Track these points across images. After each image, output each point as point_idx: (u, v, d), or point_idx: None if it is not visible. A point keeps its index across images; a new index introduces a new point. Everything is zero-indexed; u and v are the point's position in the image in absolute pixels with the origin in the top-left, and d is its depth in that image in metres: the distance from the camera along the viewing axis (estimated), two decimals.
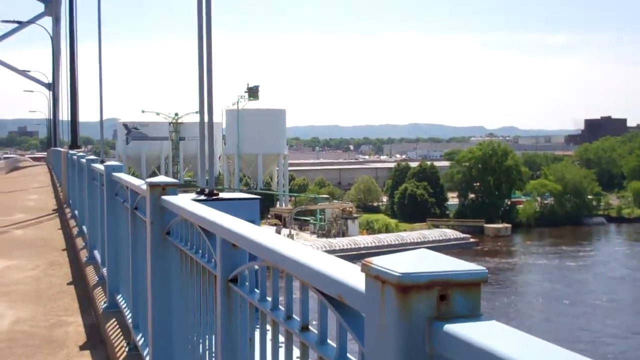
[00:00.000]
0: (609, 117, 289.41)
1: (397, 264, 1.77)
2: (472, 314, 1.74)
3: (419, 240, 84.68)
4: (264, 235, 3.17)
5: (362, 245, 78.44)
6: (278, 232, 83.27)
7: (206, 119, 8.83)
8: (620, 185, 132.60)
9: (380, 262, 1.81)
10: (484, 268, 1.78)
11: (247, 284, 3.43)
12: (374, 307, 1.84)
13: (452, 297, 1.74)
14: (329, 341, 2.45)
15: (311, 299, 2.45)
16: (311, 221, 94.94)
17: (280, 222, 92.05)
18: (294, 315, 2.80)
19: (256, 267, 3.34)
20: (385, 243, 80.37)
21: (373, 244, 79.60)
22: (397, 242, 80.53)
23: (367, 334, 1.93)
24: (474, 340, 1.56)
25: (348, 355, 2.33)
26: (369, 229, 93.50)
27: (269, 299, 3.07)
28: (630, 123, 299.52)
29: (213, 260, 3.91)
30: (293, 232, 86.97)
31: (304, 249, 2.69)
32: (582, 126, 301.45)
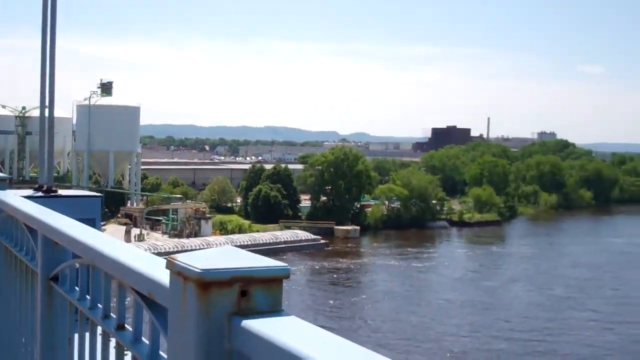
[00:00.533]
0: (454, 127, 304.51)
1: (198, 260, 1.76)
2: (273, 310, 1.74)
3: (271, 240, 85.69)
4: (83, 232, 3.17)
5: (214, 246, 77.92)
6: (128, 231, 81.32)
7: (47, 113, 8.67)
8: (462, 191, 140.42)
9: (183, 259, 1.80)
10: (286, 264, 1.78)
11: (67, 282, 3.36)
12: (176, 304, 1.83)
13: (252, 293, 1.73)
14: (144, 339, 2.45)
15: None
16: (163, 221, 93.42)
17: (131, 221, 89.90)
18: (111, 314, 2.80)
19: (77, 265, 3.24)
20: (238, 244, 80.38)
21: (225, 245, 79.44)
22: (249, 243, 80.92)
23: (170, 331, 1.93)
24: (268, 335, 1.58)
25: (160, 352, 2.28)
26: (223, 229, 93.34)
27: (88, 297, 3.04)
28: (474, 133, 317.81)
29: (36, 259, 3.82)
30: (144, 231, 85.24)
31: (123, 247, 2.72)
32: (429, 134, 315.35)
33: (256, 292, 1.75)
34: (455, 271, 76.86)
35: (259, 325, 1.64)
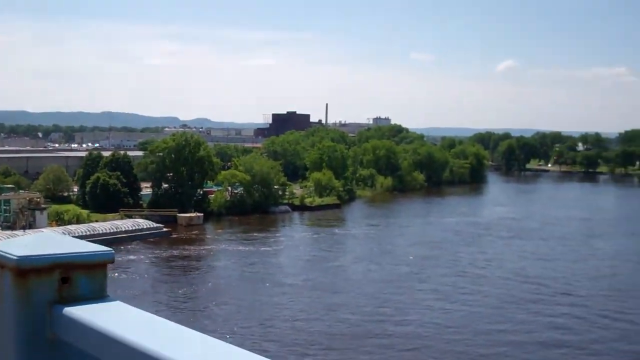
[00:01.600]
0: (294, 113, 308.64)
1: (16, 247, 1.73)
2: (97, 296, 1.73)
3: (112, 230, 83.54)
4: None
5: None
6: None
7: None
8: (304, 176, 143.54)
9: (1, 246, 1.77)
10: (111, 249, 1.79)
11: None
12: None
13: (75, 279, 1.71)
14: None
15: None
16: None
17: None
18: None
19: None
20: (76, 234, 77.88)
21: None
22: (88, 233, 78.32)
23: None
24: (89, 320, 1.56)
25: None
26: (59, 220, 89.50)
27: None
28: (313, 118, 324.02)
29: None
30: None
31: None
32: (270, 120, 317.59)
33: (78, 279, 1.70)
34: (303, 253, 78.58)
35: (80, 312, 1.59)
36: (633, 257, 77.93)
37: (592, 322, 50.03)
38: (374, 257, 75.53)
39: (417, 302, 55.76)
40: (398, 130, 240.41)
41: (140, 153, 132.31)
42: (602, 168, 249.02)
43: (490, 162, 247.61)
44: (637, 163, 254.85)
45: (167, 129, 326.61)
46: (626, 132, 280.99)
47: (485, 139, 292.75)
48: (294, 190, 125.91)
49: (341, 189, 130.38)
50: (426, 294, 58.47)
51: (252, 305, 53.97)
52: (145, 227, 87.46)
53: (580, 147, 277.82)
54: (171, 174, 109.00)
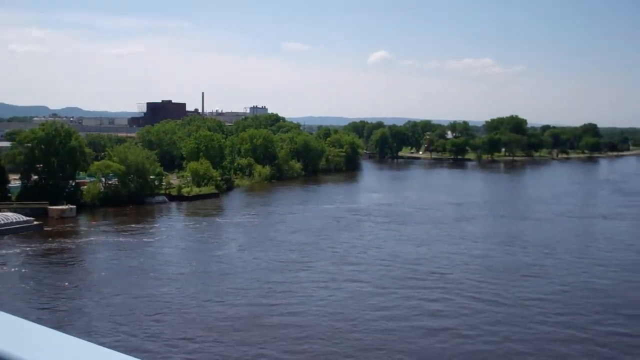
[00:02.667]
0: (170, 101, 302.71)
1: None
2: None
3: None
4: None
5: None
6: None
7: None
8: (180, 166, 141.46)
9: None
10: None
11: None
12: None
13: None
14: None
15: None
16: None
17: None
18: None
19: None
20: None
21: None
22: None
23: None
24: None
25: None
26: None
27: None
28: (189, 107, 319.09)
29: None
30: None
31: None
32: (144, 109, 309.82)
33: None
34: (185, 243, 77.36)
35: None
36: (502, 238, 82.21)
37: (466, 304, 52.42)
38: (258, 245, 75.59)
39: (303, 287, 56.34)
40: (275, 120, 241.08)
41: (7, 144, 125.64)
42: (470, 155, 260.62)
43: (365, 151, 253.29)
44: (502, 150, 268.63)
45: (35, 118, 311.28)
46: (492, 120, 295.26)
47: (360, 128, 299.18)
48: (171, 181, 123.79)
49: (219, 178, 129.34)
50: (312, 280, 59.18)
51: (137, 298, 52.61)
52: (14, 220, 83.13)
53: (450, 135, 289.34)
54: (41, 165, 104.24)
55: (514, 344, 42.42)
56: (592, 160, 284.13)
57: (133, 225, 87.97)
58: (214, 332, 44.16)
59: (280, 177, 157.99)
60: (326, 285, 57.14)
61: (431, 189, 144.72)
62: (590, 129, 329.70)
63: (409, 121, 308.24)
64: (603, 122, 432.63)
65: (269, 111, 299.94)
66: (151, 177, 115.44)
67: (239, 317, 47.57)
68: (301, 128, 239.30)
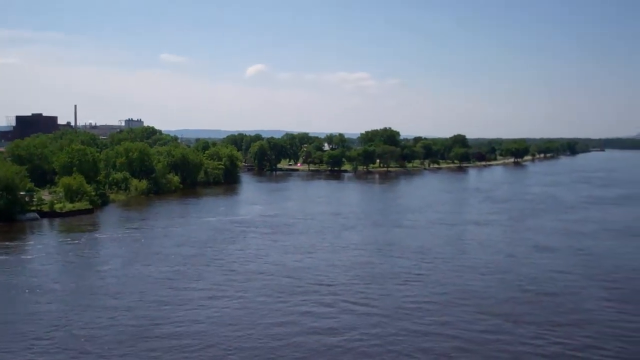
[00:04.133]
0: (40, 115, 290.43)
1: None
2: None
3: None
4: None
5: None
6: None
7: None
8: (52, 181, 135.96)
9: None
10: None
11: None
12: None
13: None
14: None
15: None
16: None
17: None
18: None
19: None
20: None
21: None
22: None
23: None
24: None
25: None
26: None
27: None
28: (61, 120, 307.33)
29: None
30: None
31: None
32: (13, 123, 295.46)
33: None
34: (66, 259, 74.11)
35: None
36: (381, 246, 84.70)
37: (352, 309, 53.82)
38: (144, 259, 74.16)
39: (193, 300, 55.91)
40: (151, 132, 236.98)
41: None
42: (347, 166, 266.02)
43: (244, 163, 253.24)
44: (377, 161, 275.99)
45: None
46: (367, 132, 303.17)
47: (238, 141, 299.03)
48: (43, 197, 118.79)
49: (93, 193, 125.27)
50: (200, 292, 58.83)
51: (19, 319, 50.39)
52: None
53: (327, 147, 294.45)
54: None
55: (398, 344, 44.00)
56: (461, 170, 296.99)
57: (7, 243, 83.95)
58: (98, 347, 43.10)
59: (157, 191, 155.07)
60: (215, 296, 57.05)
61: (311, 200, 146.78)
62: (460, 140, 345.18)
63: (287, 134, 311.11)
64: (471, 134, 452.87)
65: (145, 124, 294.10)
66: (21, 193, 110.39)
67: (126, 330, 46.64)
68: (179, 140, 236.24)
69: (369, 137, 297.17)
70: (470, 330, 47.66)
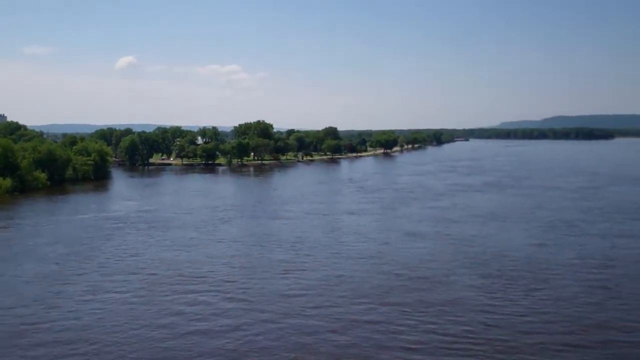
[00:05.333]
0: None
1: None
2: None
3: None
4: None
5: None
6: None
7: None
8: None
9: None
10: None
11: None
12: None
13: None
14: None
15: None
16: None
17: None
18: None
19: None
20: None
21: None
22: None
23: None
24: None
25: None
26: None
27: None
28: None
29: None
30: None
31: None
32: None
33: None
34: None
35: None
36: (259, 238, 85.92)
37: (231, 299, 54.74)
38: (13, 259, 71.44)
39: (67, 300, 54.80)
40: (15, 128, 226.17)
41: None
42: (221, 160, 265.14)
43: (114, 158, 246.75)
44: (251, 154, 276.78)
45: None
46: (240, 125, 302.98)
47: (108, 135, 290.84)
48: None
49: None
50: (79, 291, 57.78)
51: None
52: None
53: (200, 140, 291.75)
54: None
55: (277, 332, 45.41)
56: (334, 161, 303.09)
57: None
58: None
59: (23, 189, 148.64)
60: (92, 297, 56.08)
61: (186, 194, 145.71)
62: (331, 132, 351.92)
63: (159, 127, 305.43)
64: (342, 126, 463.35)
65: (9, 119, 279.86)
66: None
67: (10, 335, 45.38)
68: (45, 136, 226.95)
69: (243, 130, 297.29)
70: (346, 314, 49.80)
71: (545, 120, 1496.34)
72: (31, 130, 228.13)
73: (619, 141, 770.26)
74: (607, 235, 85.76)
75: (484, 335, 45.07)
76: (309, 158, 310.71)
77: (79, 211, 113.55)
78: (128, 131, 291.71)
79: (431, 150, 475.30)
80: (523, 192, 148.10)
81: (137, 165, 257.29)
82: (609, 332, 45.67)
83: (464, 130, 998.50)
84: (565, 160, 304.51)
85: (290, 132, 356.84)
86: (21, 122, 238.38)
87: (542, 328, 46.49)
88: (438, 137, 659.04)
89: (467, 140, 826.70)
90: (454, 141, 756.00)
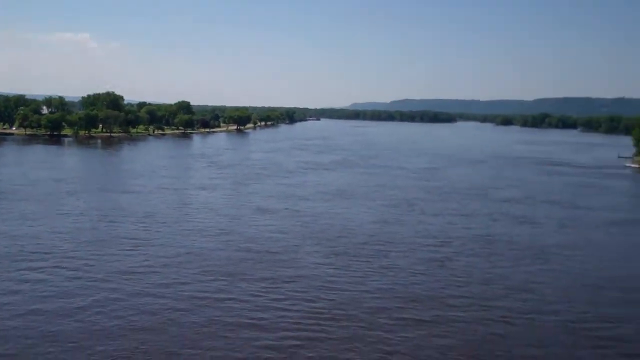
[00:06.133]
0: None
1: None
2: None
3: None
4: None
5: None
6: None
7: None
8: None
9: None
10: None
11: None
12: None
13: None
14: None
15: None
16: None
17: None
18: None
19: None
20: None
21: None
22: None
23: None
24: None
25: None
26: None
27: None
28: None
29: None
30: None
31: None
32: None
33: None
34: None
35: None
36: (107, 212, 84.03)
37: (73, 276, 53.69)
38: None
39: None
40: None
41: None
42: (67, 131, 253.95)
43: None
44: (100, 126, 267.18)
45: None
46: (88, 96, 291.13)
47: None
48: None
49: None
50: None
51: None
52: None
53: (45, 110, 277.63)
54: None
55: (115, 306, 45.27)
56: (186, 136, 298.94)
57: None
58: None
59: None
60: None
61: (29, 165, 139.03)
62: (184, 107, 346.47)
63: (1, 95, 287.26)
64: (196, 101, 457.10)
65: None
66: None
67: None
68: None
69: (91, 101, 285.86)
70: (194, 291, 50.18)
71: (393, 102, 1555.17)
72: None
73: (459, 124, 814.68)
74: (444, 214, 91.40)
75: (329, 309, 47.15)
76: (161, 132, 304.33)
77: None
78: None
79: (284, 128, 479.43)
80: (369, 171, 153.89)
81: None
82: (441, 305, 49.24)
83: (316, 109, 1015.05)
84: (409, 141, 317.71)
85: (142, 104, 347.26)
86: None
87: (382, 301, 49.30)
88: (291, 116, 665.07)
89: (319, 119, 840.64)
90: (306, 120, 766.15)
